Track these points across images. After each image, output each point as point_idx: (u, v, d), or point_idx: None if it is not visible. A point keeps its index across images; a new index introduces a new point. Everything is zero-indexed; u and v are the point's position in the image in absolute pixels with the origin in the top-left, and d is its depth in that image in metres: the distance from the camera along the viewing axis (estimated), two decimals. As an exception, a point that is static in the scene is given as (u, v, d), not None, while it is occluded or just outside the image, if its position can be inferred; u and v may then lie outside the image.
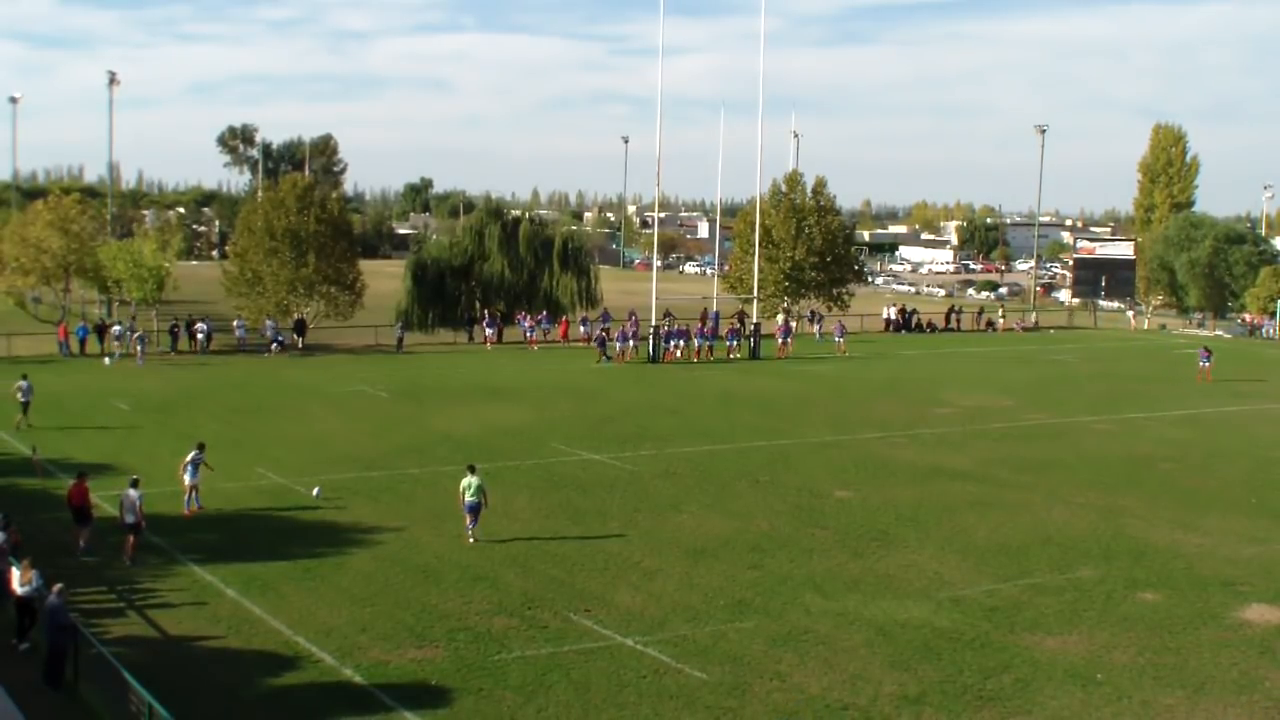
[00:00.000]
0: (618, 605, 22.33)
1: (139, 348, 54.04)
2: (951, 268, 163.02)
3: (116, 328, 57.13)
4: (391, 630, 20.79)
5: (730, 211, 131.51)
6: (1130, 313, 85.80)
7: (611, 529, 27.51)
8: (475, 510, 25.95)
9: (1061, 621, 21.98)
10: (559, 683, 18.70)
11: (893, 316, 76.83)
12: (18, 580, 19.91)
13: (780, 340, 62.87)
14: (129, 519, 24.34)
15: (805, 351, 62.57)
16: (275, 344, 58.36)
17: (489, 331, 64.79)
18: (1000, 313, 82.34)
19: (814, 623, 21.62)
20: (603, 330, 60.09)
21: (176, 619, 21.24)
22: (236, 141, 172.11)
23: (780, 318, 70.12)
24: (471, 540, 25.88)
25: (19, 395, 38.02)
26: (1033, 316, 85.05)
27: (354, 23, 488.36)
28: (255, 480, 31.33)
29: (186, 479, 27.90)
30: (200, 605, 21.91)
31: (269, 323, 60.84)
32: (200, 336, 58.15)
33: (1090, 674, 19.56)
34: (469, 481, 25.96)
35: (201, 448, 28.50)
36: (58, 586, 18.78)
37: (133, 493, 24.49)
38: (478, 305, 69.78)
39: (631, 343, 58.66)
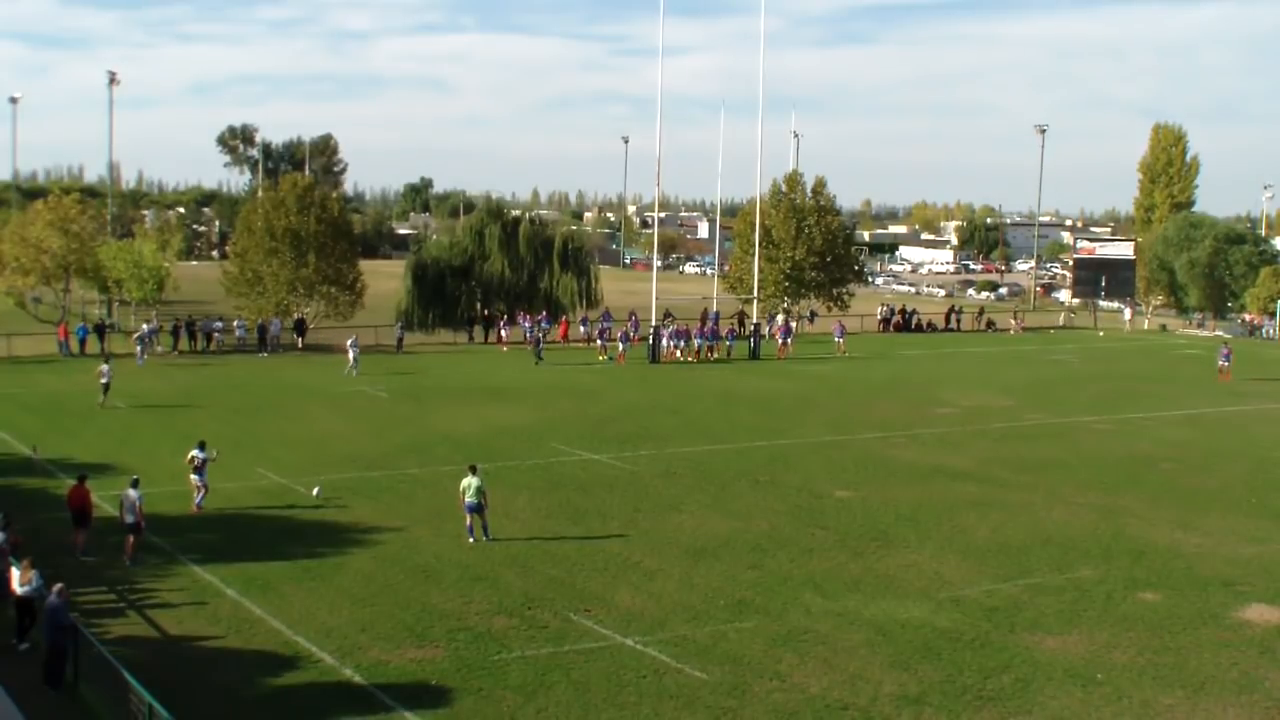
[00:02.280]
0: (618, 605, 22.33)
1: (138, 348, 54.01)
2: (951, 268, 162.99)
3: (145, 326, 57.11)
4: (391, 630, 20.79)
5: (730, 211, 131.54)
6: (1127, 312, 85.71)
7: (611, 529, 27.51)
8: (475, 510, 25.95)
9: (1061, 621, 21.98)
10: (559, 683, 18.70)
11: (882, 317, 76.88)
12: (18, 580, 19.93)
13: (780, 340, 62.94)
14: (129, 519, 24.35)
15: (800, 353, 62.59)
16: (353, 357, 51.67)
17: (502, 333, 64.72)
18: (1011, 314, 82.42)
19: (814, 623, 21.62)
20: (540, 332, 59.60)
21: (176, 619, 21.24)
22: (236, 141, 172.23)
23: (780, 318, 70.13)
24: (471, 540, 25.89)
25: (101, 378, 41.71)
26: (1060, 317, 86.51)
27: (354, 23, 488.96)
28: (255, 480, 31.33)
29: (195, 480, 27.97)
30: (200, 605, 21.91)
31: (350, 340, 52.87)
32: (218, 336, 58.94)
33: (1090, 674, 19.56)
34: (469, 482, 25.94)
35: (202, 446, 28.51)
36: (58, 586, 18.78)
37: (133, 493, 24.50)
38: (478, 305, 69.82)
39: (624, 344, 58.82)
